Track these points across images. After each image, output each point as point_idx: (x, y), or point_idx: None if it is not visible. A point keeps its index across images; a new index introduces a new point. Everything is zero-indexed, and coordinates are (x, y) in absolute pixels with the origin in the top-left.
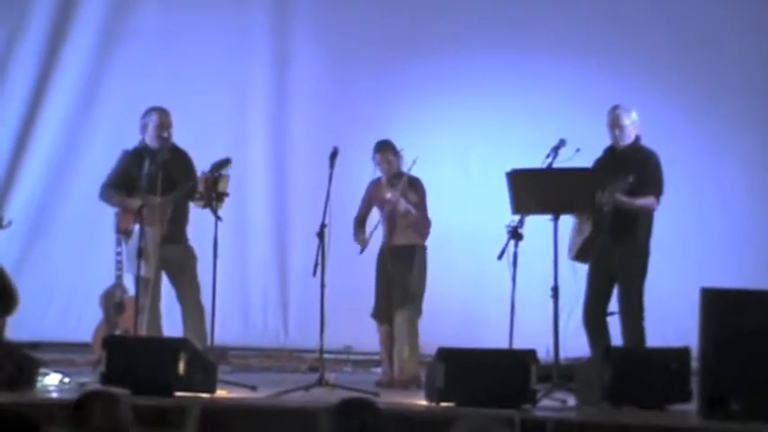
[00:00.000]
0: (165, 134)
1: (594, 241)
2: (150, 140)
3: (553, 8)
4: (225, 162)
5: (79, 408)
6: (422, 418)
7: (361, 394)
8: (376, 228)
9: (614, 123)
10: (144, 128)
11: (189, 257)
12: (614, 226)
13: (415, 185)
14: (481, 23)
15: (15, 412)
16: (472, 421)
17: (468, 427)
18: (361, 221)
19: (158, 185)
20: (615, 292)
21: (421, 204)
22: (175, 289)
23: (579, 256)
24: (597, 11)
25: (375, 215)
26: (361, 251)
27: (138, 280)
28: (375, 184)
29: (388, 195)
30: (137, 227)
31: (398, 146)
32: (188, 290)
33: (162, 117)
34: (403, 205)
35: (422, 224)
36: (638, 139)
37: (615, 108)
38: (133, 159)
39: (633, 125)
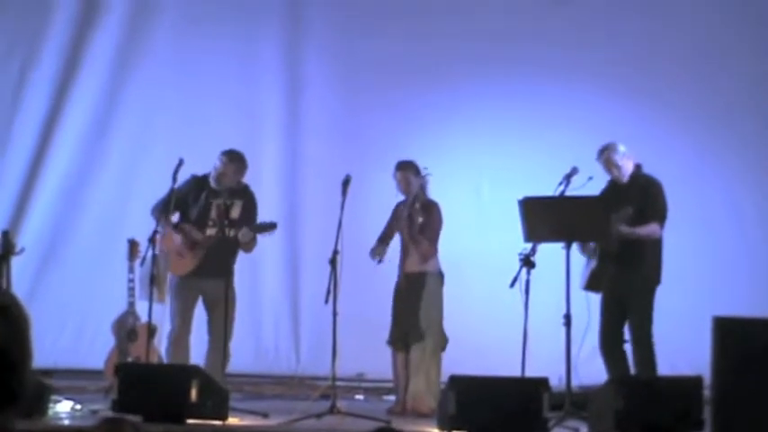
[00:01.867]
0: (223, 180)
1: (602, 272)
2: (212, 181)
3: (566, 36)
4: (270, 226)
5: None
6: None
7: (377, 422)
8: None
9: (608, 166)
10: (214, 167)
11: (230, 298)
12: (621, 256)
13: (429, 209)
14: (493, 52)
15: None
16: None
17: None
18: (384, 240)
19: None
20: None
21: (430, 229)
22: (208, 324)
23: (589, 286)
24: (610, 38)
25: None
26: (379, 261)
27: (151, 307)
28: (399, 206)
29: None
30: (150, 253)
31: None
32: (217, 330)
33: (223, 165)
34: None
35: (427, 251)
36: (638, 168)
37: (602, 152)
38: (195, 186)
39: (626, 158)
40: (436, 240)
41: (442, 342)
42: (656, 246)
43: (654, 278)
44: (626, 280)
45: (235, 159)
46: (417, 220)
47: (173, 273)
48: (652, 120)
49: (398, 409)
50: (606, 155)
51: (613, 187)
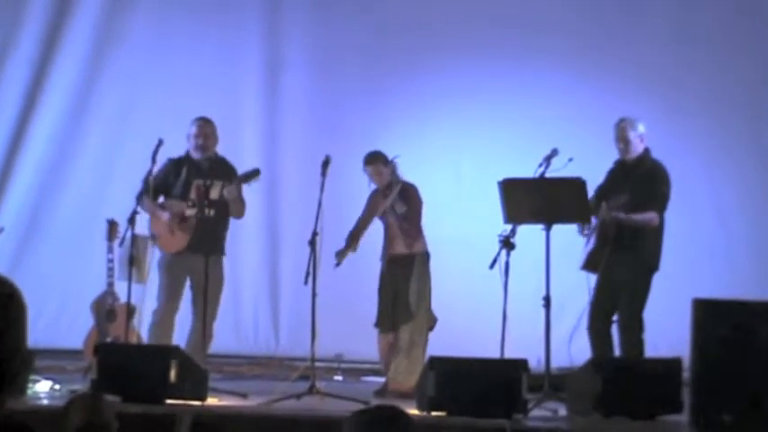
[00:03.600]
0: (201, 141)
1: (600, 253)
2: (192, 151)
3: (546, 18)
4: (254, 173)
5: (64, 411)
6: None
7: (357, 404)
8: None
9: (620, 137)
10: (187, 138)
11: (215, 277)
12: (618, 239)
13: (407, 194)
14: (473, 34)
15: (12, 420)
16: None
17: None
18: (355, 234)
19: (191, 196)
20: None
21: (412, 214)
22: (192, 303)
23: (587, 266)
24: (591, 20)
25: (377, 227)
26: (336, 265)
27: (130, 287)
28: (374, 196)
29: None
30: (129, 233)
31: (392, 153)
32: (201, 310)
33: (200, 126)
34: (391, 218)
35: (411, 236)
36: (647, 151)
37: (621, 121)
38: (172, 167)
39: (639, 138)
40: (419, 221)
41: (431, 322)
42: (656, 232)
43: (652, 264)
44: (623, 264)
45: (209, 120)
46: (400, 211)
47: (165, 251)
48: (634, 103)
49: (385, 390)
50: (623, 125)
51: (620, 167)
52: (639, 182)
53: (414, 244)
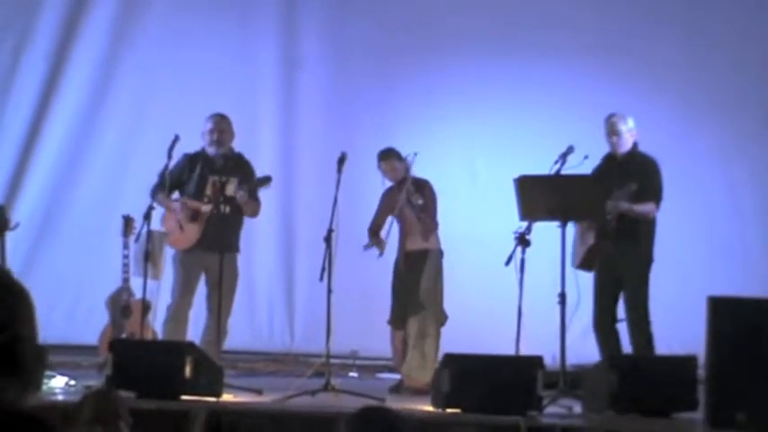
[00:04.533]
0: (216, 136)
1: (598, 250)
2: (207, 147)
3: (561, 15)
4: (265, 180)
5: (78, 406)
6: (427, 424)
7: (369, 400)
8: (389, 233)
9: (611, 131)
10: (203, 135)
11: (230, 273)
12: (618, 234)
13: (421, 188)
14: (489, 31)
15: (31, 414)
16: None
17: None
18: (374, 231)
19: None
20: (622, 298)
21: (428, 207)
22: (207, 299)
23: (582, 265)
24: (605, 19)
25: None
26: (380, 254)
27: (145, 283)
28: (389, 193)
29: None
30: (144, 229)
31: (406, 151)
32: (216, 306)
33: (215, 122)
34: (408, 211)
35: (428, 227)
36: (635, 145)
37: (611, 116)
38: (187, 163)
39: (630, 132)
40: (435, 216)
41: (442, 318)
42: (650, 224)
43: (649, 256)
44: (623, 258)
45: (224, 116)
46: (417, 202)
47: (175, 247)
48: (649, 101)
49: (400, 386)
50: (613, 120)
51: (610, 162)
52: (634, 175)
53: (430, 237)
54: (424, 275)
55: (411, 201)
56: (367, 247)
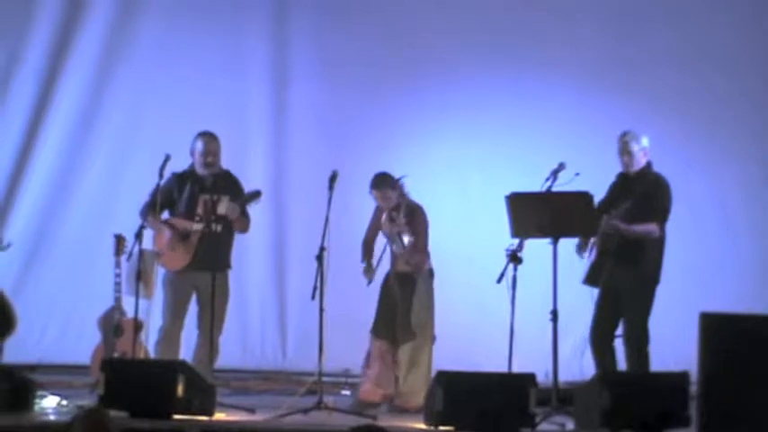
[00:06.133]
0: (210, 159)
1: (600, 266)
2: (197, 166)
3: (553, 31)
4: (255, 194)
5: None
6: None
7: (361, 418)
8: (381, 258)
9: (623, 150)
10: (192, 153)
11: (221, 292)
12: (620, 252)
13: (413, 215)
14: (481, 47)
15: None
16: None
17: None
18: (367, 245)
19: (197, 211)
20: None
21: (418, 235)
22: (198, 318)
23: (588, 280)
24: (597, 33)
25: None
26: (369, 283)
27: (137, 302)
28: (380, 209)
29: (386, 230)
30: (136, 248)
31: (399, 168)
32: (207, 325)
33: (207, 144)
34: (395, 247)
35: (416, 257)
36: (649, 164)
37: (624, 135)
38: (177, 182)
39: (643, 151)
40: (426, 244)
41: (432, 341)
42: (657, 244)
43: (653, 276)
44: (624, 276)
45: (215, 137)
46: (407, 241)
47: (167, 268)
48: (641, 117)
49: (372, 396)
50: (626, 138)
51: (622, 180)
52: (642, 194)
53: (419, 269)
54: (415, 298)
55: (401, 238)
56: (365, 273)
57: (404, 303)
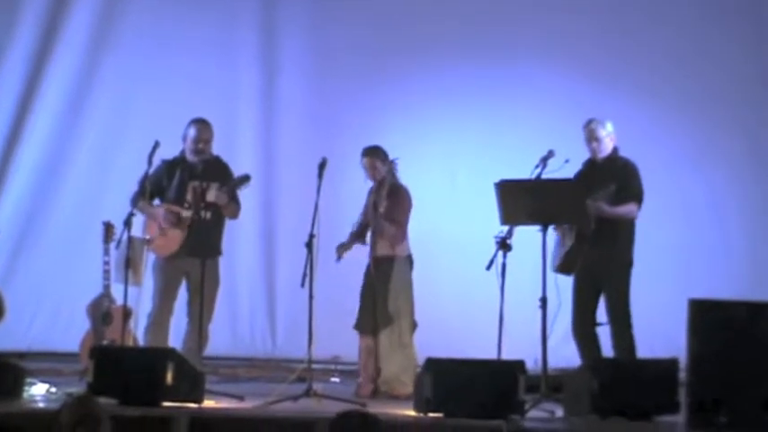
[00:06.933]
0: (201, 146)
1: (577, 253)
2: (188, 153)
3: (541, 20)
4: (244, 178)
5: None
6: (410, 429)
7: (350, 405)
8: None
9: (591, 137)
10: (184, 139)
11: (211, 278)
12: (597, 236)
13: (394, 194)
14: (469, 36)
15: (5, 425)
16: None
17: None
18: (357, 233)
19: (187, 198)
20: (602, 302)
21: (397, 206)
22: (188, 305)
23: (562, 268)
24: (585, 22)
25: None
26: (337, 259)
27: (126, 289)
28: (370, 192)
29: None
30: (125, 236)
31: (390, 155)
32: (197, 312)
33: (199, 131)
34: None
35: (393, 235)
36: (615, 150)
37: (590, 122)
38: (166, 169)
39: (609, 136)
40: (405, 224)
41: (412, 326)
42: (629, 227)
43: (628, 259)
44: (602, 261)
45: (208, 124)
46: (380, 207)
47: (158, 254)
48: (631, 105)
49: (366, 391)
50: (592, 126)
51: (591, 167)
52: (616, 178)
53: (394, 246)
54: (391, 284)
55: (376, 203)
56: (338, 255)
57: (381, 288)
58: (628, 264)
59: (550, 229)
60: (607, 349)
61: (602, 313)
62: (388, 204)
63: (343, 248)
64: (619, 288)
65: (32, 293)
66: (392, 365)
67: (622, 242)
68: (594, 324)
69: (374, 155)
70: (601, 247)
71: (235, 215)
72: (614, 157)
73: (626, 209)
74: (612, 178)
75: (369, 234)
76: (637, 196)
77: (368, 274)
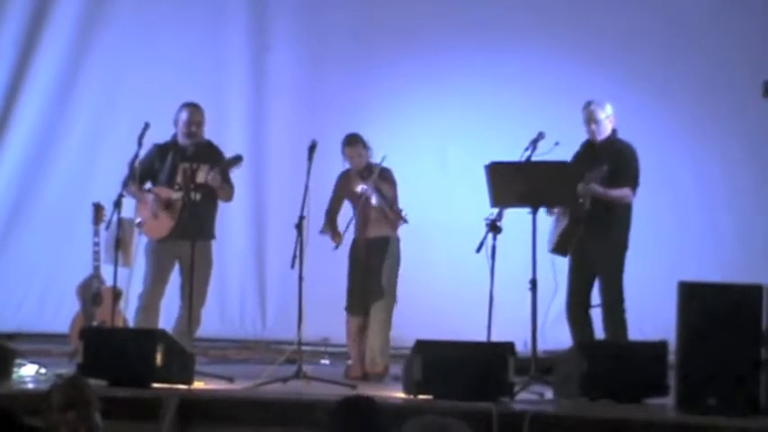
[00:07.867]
0: (193, 128)
1: (571, 234)
2: (180, 137)
3: (536, 2)
4: (236, 159)
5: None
6: (399, 411)
7: (343, 388)
8: (350, 223)
9: (590, 119)
10: (175, 123)
11: (203, 261)
12: (591, 218)
13: (387, 177)
14: (459, 18)
15: None
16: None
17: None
18: (331, 215)
19: (178, 181)
20: (596, 284)
21: (394, 196)
22: (181, 288)
23: (556, 249)
24: (577, 5)
25: (347, 209)
26: (336, 247)
27: (116, 271)
28: (344, 176)
29: (359, 188)
30: (115, 217)
31: (378, 143)
32: (189, 295)
33: (191, 114)
34: (375, 200)
35: (396, 218)
36: (614, 132)
37: (589, 104)
38: (158, 153)
39: (608, 119)
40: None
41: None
42: (625, 210)
43: (623, 242)
44: (596, 243)
45: (199, 108)
46: (388, 194)
47: (150, 236)
48: (621, 87)
49: (355, 373)
50: (591, 107)
51: (588, 149)
52: (611, 161)
53: (393, 227)
54: (386, 262)
55: (382, 191)
56: (322, 231)
57: (375, 266)
58: (622, 247)
59: (545, 211)
60: (600, 332)
61: (596, 296)
62: (388, 188)
63: (338, 236)
64: (613, 271)
65: (22, 274)
66: (378, 340)
67: (618, 225)
68: (588, 306)
69: (357, 143)
70: (596, 230)
71: (229, 197)
72: (613, 139)
73: (620, 192)
74: (609, 160)
75: (354, 216)
76: (632, 180)
77: (354, 256)
